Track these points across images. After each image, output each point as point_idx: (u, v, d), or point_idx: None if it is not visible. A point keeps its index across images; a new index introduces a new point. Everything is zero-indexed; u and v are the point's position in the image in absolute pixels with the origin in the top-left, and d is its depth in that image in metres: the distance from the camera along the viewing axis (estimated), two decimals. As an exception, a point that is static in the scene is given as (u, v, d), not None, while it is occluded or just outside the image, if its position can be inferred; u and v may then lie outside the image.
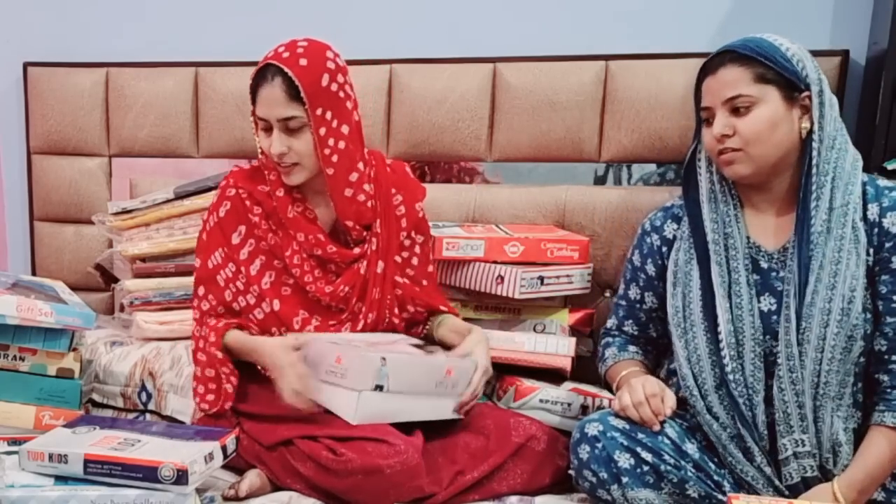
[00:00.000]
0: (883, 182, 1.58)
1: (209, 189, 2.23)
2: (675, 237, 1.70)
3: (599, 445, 1.57)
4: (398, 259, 1.86)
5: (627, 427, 1.59)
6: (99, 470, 1.48)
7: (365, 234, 1.82)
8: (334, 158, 1.72)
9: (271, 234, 1.80)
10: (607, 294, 2.15)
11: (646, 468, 1.56)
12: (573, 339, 1.95)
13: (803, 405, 1.51)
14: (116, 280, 2.37)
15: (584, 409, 1.83)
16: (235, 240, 1.80)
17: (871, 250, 1.53)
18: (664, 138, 2.18)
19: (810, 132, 1.53)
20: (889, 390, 1.51)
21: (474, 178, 2.38)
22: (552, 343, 1.92)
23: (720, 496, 1.55)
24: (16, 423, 1.76)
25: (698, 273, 1.62)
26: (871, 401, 1.55)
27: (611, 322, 1.85)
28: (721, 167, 1.59)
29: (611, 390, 1.77)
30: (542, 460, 1.71)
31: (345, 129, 1.72)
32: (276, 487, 1.69)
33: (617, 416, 1.61)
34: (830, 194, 1.52)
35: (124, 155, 2.60)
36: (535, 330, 2.01)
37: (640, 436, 1.57)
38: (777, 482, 1.54)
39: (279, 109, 1.68)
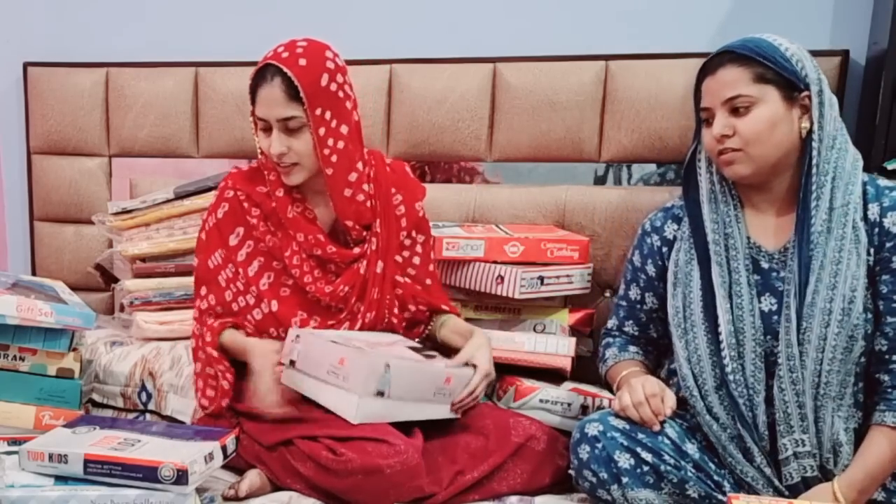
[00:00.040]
0: (883, 182, 1.58)
1: (209, 189, 2.23)
2: (675, 238, 1.70)
3: (599, 445, 1.57)
4: (399, 259, 1.86)
5: (627, 427, 1.59)
6: (99, 470, 1.48)
7: (365, 233, 1.82)
8: (334, 158, 1.72)
9: (270, 236, 1.80)
10: (607, 294, 2.15)
11: (646, 468, 1.55)
12: (573, 339, 1.95)
13: (804, 405, 1.51)
14: (116, 280, 2.37)
15: (584, 409, 1.83)
16: (233, 241, 1.81)
17: (872, 250, 1.53)
18: (664, 138, 2.18)
19: (810, 132, 1.53)
20: (890, 390, 1.51)
21: (474, 178, 2.38)
22: (552, 343, 1.92)
23: (720, 496, 1.55)
24: (16, 423, 1.76)
25: (699, 273, 1.62)
26: (871, 401, 1.55)
27: (611, 322, 1.84)
28: (721, 167, 1.59)
29: (611, 391, 1.77)
30: (542, 460, 1.71)
31: (344, 129, 1.72)
32: (276, 487, 1.69)
33: (617, 416, 1.61)
34: (831, 194, 1.52)
35: (124, 155, 2.60)
36: (535, 330, 2.01)
37: (640, 436, 1.57)
38: (777, 482, 1.54)
39: (278, 109, 1.68)
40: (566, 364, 1.91)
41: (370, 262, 1.80)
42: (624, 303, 1.81)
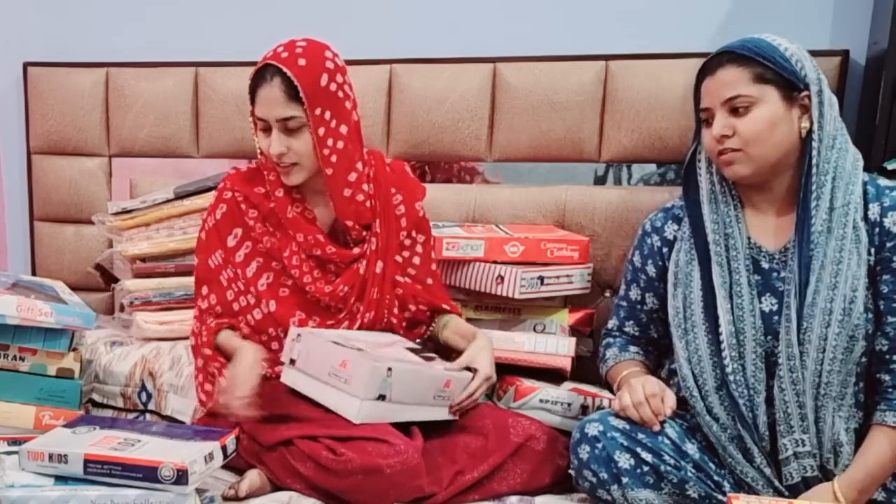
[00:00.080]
0: (884, 182, 1.57)
1: (209, 189, 2.23)
2: (675, 238, 1.70)
3: (599, 445, 1.57)
4: (399, 259, 1.86)
5: (627, 427, 1.59)
6: (99, 470, 1.48)
7: (364, 234, 1.82)
8: (333, 158, 1.72)
9: (268, 237, 1.80)
10: (607, 294, 2.15)
11: (646, 468, 1.55)
12: (573, 339, 1.95)
13: (804, 405, 1.51)
14: (116, 280, 2.37)
15: (584, 409, 1.83)
16: (231, 242, 1.81)
17: (873, 250, 1.53)
18: (664, 138, 2.18)
19: (810, 132, 1.53)
20: (890, 390, 1.51)
21: (474, 178, 2.38)
22: (552, 343, 1.92)
23: (720, 496, 1.55)
24: (16, 423, 1.76)
25: (699, 274, 1.62)
26: (872, 401, 1.55)
27: (612, 323, 1.84)
28: (721, 168, 1.59)
29: (612, 391, 1.77)
30: (542, 460, 1.71)
31: (344, 128, 1.72)
32: (276, 487, 1.69)
33: (617, 416, 1.61)
34: (831, 194, 1.52)
35: (124, 155, 2.60)
36: (535, 330, 2.01)
37: (641, 436, 1.57)
38: (777, 483, 1.54)
39: (278, 109, 1.68)
40: (566, 364, 1.91)
41: (370, 262, 1.80)
42: (624, 303, 1.81)
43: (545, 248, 1.99)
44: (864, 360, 1.54)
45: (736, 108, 1.53)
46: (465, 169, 2.38)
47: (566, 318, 2.02)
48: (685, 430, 1.62)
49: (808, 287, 1.51)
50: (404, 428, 1.66)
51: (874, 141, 1.92)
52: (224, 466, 1.61)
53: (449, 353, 1.83)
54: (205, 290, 1.85)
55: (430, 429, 1.71)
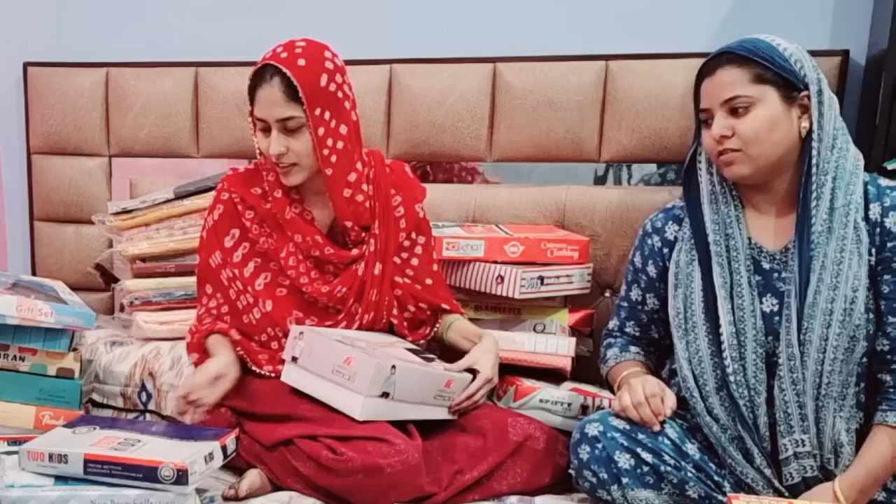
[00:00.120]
0: (885, 182, 1.57)
1: (209, 189, 2.23)
2: (676, 238, 1.70)
3: (599, 446, 1.57)
4: (397, 260, 1.86)
5: (627, 427, 1.59)
6: (99, 470, 1.48)
7: (363, 235, 1.82)
8: (333, 159, 1.72)
9: (265, 238, 1.80)
10: (607, 294, 2.15)
11: (646, 469, 1.56)
12: (573, 339, 1.95)
13: (804, 405, 1.51)
14: (116, 280, 2.37)
15: (584, 409, 1.83)
16: (228, 243, 1.82)
17: (873, 250, 1.53)
18: (664, 138, 2.18)
19: (810, 132, 1.53)
20: (892, 390, 1.51)
21: (474, 178, 2.38)
22: (552, 343, 1.92)
23: (720, 497, 1.55)
24: (16, 423, 1.76)
25: (700, 274, 1.62)
26: (873, 401, 1.55)
27: (613, 323, 1.84)
28: (721, 168, 1.59)
29: (612, 391, 1.77)
30: (542, 459, 1.71)
31: (343, 129, 1.72)
32: (276, 487, 1.69)
33: (617, 416, 1.61)
34: (831, 194, 1.52)
35: (124, 155, 2.60)
36: (535, 330, 2.01)
37: (641, 436, 1.57)
38: (777, 483, 1.54)
39: (278, 110, 1.68)
40: (566, 364, 1.91)
41: (368, 263, 1.80)
42: (625, 304, 1.81)
43: (545, 248, 1.99)
44: (864, 360, 1.54)
45: (735, 109, 1.53)
46: (466, 169, 2.38)
47: (566, 318, 2.02)
48: (685, 431, 1.62)
49: (808, 287, 1.51)
50: (402, 427, 1.66)
51: (874, 141, 1.92)
52: (224, 466, 1.61)
53: (454, 354, 1.83)
54: (209, 289, 1.86)
55: (429, 429, 1.71)
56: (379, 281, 1.82)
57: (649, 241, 1.74)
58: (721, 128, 1.54)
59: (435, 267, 1.92)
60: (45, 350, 1.78)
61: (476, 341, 1.81)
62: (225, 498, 1.65)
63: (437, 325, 1.91)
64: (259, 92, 1.69)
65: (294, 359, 1.69)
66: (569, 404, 1.84)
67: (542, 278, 1.94)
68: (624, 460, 1.56)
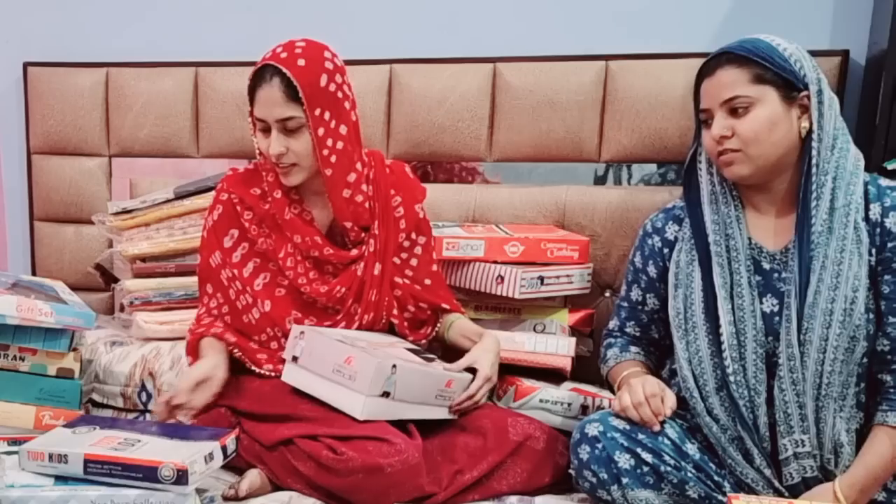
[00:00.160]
0: (885, 182, 1.57)
1: (209, 189, 2.23)
2: (676, 239, 1.70)
3: (599, 446, 1.57)
4: (397, 260, 1.86)
5: (627, 427, 1.59)
6: (99, 470, 1.48)
7: (363, 235, 1.82)
8: (332, 159, 1.72)
9: (263, 238, 1.80)
10: (607, 294, 2.15)
11: (646, 469, 1.55)
12: (573, 339, 1.95)
13: (804, 406, 1.51)
14: (116, 280, 2.37)
15: (584, 409, 1.83)
16: (227, 243, 1.82)
17: (874, 250, 1.53)
18: (664, 138, 2.18)
19: (810, 132, 1.53)
20: (892, 390, 1.51)
21: (474, 178, 2.38)
22: (552, 343, 1.92)
23: (720, 497, 1.55)
24: (16, 423, 1.76)
25: (700, 275, 1.62)
26: (873, 401, 1.55)
27: (613, 323, 1.84)
28: (721, 168, 1.59)
29: (613, 391, 1.77)
30: (542, 459, 1.71)
31: (343, 129, 1.72)
32: (276, 487, 1.69)
33: (617, 416, 1.61)
34: (832, 194, 1.52)
35: (124, 155, 2.60)
36: (535, 330, 2.01)
37: (641, 436, 1.57)
38: (777, 484, 1.54)
39: (277, 110, 1.68)
40: (566, 364, 1.91)
41: (367, 263, 1.80)
42: (625, 304, 1.81)
43: (545, 248, 1.99)
44: (865, 360, 1.54)
45: (735, 109, 1.53)
46: (466, 169, 2.38)
47: (566, 318, 2.02)
48: (685, 431, 1.62)
49: (808, 287, 1.51)
50: (402, 427, 1.66)
51: (874, 141, 1.92)
52: (224, 466, 1.61)
53: (455, 354, 1.83)
54: (209, 289, 1.86)
55: (429, 429, 1.71)
56: (378, 281, 1.82)
57: (649, 242, 1.74)
58: (721, 128, 1.54)
59: (435, 267, 1.92)
60: (45, 350, 1.79)
61: (476, 340, 1.81)
62: (225, 498, 1.65)
63: (438, 325, 1.91)
64: (259, 92, 1.69)
65: (295, 358, 1.69)
66: (569, 404, 1.84)
67: (542, 278, 1.94)
68: (624, 460, 1.56)
